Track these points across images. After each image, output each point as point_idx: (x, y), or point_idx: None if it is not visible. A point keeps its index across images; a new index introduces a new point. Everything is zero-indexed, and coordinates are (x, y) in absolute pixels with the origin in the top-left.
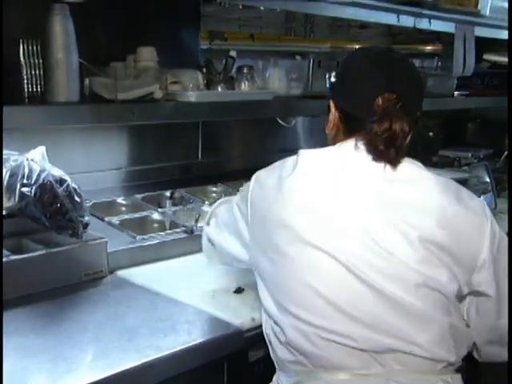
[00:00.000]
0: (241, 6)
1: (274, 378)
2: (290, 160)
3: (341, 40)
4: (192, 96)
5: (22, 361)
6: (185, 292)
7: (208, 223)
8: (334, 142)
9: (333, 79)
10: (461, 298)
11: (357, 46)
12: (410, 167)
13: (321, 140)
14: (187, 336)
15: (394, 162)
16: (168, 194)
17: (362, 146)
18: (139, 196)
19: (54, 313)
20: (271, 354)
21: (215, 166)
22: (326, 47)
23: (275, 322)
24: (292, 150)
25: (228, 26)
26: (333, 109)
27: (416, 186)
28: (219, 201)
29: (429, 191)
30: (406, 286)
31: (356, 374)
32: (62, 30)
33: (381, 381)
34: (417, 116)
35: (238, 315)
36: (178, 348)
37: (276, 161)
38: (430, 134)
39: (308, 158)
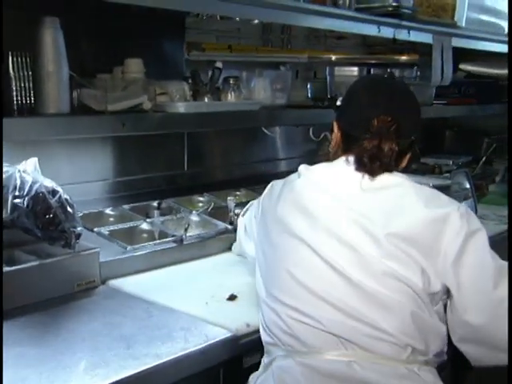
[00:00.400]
0: (218, 18)
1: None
2: (297, 172)
3: (318, 50)
4: (181, 107)
5: (22, 371)
6: (178, 300)
7: (243, 214)
8: (334, 159)
9: (338, 103)
10: (440, 294)
11: (333, 57)
12: (389, 176)
13: (301, 149)
14: (184, 343)
15: (373, 173)
16: (155, 204)
17: (351, 160)
18: (127, 206)
19: (50, 323)
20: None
21: (201, 176)
22: (303, 57)
23: (261, 308)
24: (275, 160)
25: (206, 38)
26: (336, 129)
27: (391, 190)
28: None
29: (404, 194)
30: (374, 275)
31: (322, 355)
32: (52, 43)
33: (344, 363)
34: (411, 140)
35: (233, 322)
36: (175, 355)
37: (260, 170)
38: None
39: (308, 169)
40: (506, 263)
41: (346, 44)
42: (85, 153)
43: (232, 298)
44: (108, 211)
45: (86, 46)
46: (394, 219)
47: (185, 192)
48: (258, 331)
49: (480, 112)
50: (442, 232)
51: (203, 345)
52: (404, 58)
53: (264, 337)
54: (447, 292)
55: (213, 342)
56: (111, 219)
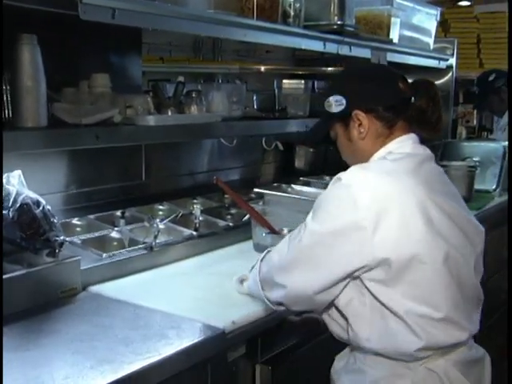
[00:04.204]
0: (150, 29)
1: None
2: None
3: (248, 62)
4: (151, 120)
5: (32, 371)
6: (161, 301)
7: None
8: (374, 149)
9: (337, 99)
10: None
11: (262, 68)
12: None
13: (252, 158)
14: (178, 340)
15: (435, 129)
16: (119, 213)
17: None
18: (92, 216)
19: (44, 328)
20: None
21: (158, 186)
22: (234, 68)
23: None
24: (228, 168)
25: None
26: (362, 117)
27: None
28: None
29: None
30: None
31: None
32: (31, 59)
33: None
34: None
35: (219, 319)
36: (175, 350)
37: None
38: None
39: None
40: None
41: (275, 57)
42: (41, 166)
43: None
44: (75, 221)
45: (50, 60)
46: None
47: (144, 201)
48: (241, 327)
49: None
50: None
51: (197, 340)
52: (330, 69)
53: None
54: None
55: (205, 337)
56: (79, 229)
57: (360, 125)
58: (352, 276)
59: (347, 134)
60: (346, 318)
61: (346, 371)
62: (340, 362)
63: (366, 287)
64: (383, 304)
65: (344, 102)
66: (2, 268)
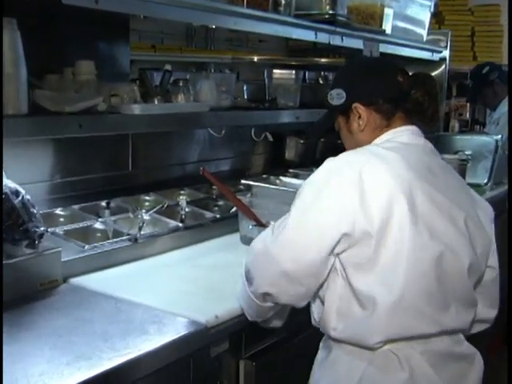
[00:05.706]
0: (142, 16)
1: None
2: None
3: (240, 51)
4: (136, 109)
5: (7, 368)
6: (144, 294)
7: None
8: (371, 139)
9: (338, 92)
10: None
11: (255, 58)
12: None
13: (241, 148)
14: (159, 335)
15: (432, 119)
16: (104, 203)
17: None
18: (76, 206)
19: (22, 322)
20: None
21: (145, 176)
22: (227, 58)
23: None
24: (213, 160)
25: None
26: (361, 110)
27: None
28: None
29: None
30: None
31: None
32: (10, 44)
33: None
34: None
35: (202, 314)
36: (155, 346)
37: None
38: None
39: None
40: None
41: (268, 47)
42: (24, 154)
43: None
44: (58, 211)
45: (33, 46)
46: (463, 199)
47: (130, 192)
48: (224, 322)
49: None
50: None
51: (178, 335)
52: (323, 60)
53: None
54: None
55: (186, 333)
56: (62, 219)
57: (359, 117)
58: (335, 253)
59: (348, 126)
60: (323, 303)
61: (320, 364)
62: (320, 352)
63: (345, 271)
64: (355, 290)
65: (344, 95)
66: (2, 266)
